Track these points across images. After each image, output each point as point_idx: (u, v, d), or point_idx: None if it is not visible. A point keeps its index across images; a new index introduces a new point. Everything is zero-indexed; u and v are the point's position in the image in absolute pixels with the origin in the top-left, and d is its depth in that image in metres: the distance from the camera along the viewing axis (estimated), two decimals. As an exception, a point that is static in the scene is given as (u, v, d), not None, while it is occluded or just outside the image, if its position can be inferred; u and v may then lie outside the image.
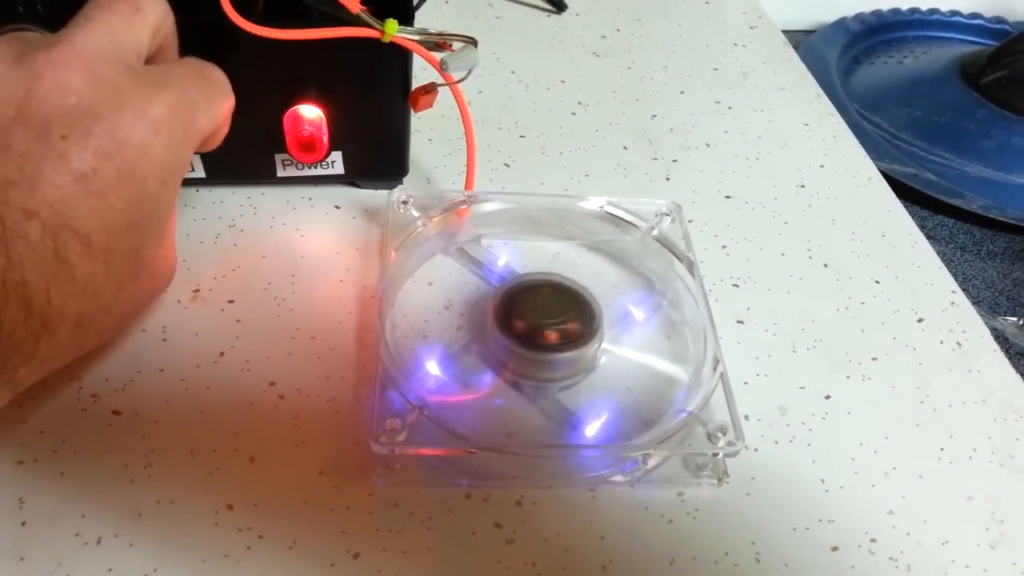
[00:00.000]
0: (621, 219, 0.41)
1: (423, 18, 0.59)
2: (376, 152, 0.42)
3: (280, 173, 0.42)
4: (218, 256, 0.40)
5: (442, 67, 0.36)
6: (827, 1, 0.77)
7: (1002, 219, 0.57)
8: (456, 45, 0.37)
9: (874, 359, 0.39)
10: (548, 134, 0.51)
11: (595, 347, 0.35)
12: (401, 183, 0.44)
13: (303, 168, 0.41)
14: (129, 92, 0.28)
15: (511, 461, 0.33)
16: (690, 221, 0.44)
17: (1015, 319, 0.50)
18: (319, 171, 0.42)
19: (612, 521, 0.32)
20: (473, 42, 0.37)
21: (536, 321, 0.35)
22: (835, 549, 0.32)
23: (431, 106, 0.39)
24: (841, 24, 0.76)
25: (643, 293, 0.40)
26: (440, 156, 0.47)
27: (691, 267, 0.39)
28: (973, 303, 0.43)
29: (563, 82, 0.55)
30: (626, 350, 0.37)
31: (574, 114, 0.53)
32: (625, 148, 0.50)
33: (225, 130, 0.33)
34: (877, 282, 0.43)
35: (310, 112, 0.39)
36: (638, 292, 0.40)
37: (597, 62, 0.58)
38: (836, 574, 0.31)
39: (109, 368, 0.34)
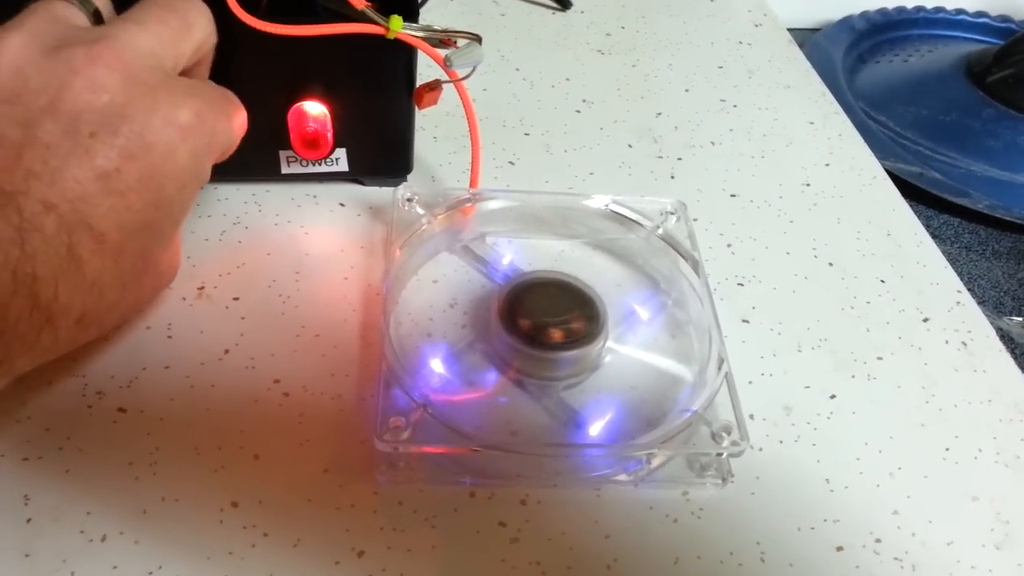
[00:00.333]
0: (626, 217, 0.41)
1: (428, 15, 0.59)
2: (380, 149, 0.42)
3: (284, 170, 0.42)
4: (223, 253, 0.40)
5: (446, 64, 0.36)
6: (833, -1, 0.77)
7: (1008, 218, 0.57)
8: (460, 42, 0.37)
9: (879, 359, 0.39)
10: (553, 132, 0.51)
11: (599, 346, 0.35)
12: (405, 180, 0.44)
13: (307, 165, 0.41)
14: (161, 96, 0.29)
15: (515, 460, 0.33)
16: (695, 219, 0.44)
17: (1021, 319, 0.50)
18: (323, 168, 0.42)
19: (617, 520, 0.32)
20: (478, 39, 0.37)
21: (540, 319, 0.35)
22: (840, 549, 0.32)
23: (435, 103, 0.39)
24: (847, 22, 0.76)
25: (648, 292, 0.40)
26: (445, 154, 0.47)
27: (696, 266, 0.39)
28: (979, 303, 0.43)
29: (568, 80, 0.55)
30: (631, 349, 0.37)
31: (579, 112, 0.53)
32: (630, 146, 0.50)
33: (236, 145, 0.33)
34: (882, 281, 0.43)
35: (314, 109, 0.39)
36: (643, 291, 0.40)
37: (602, 60, 0.58)
38: (841, 574, 0.31)
39: (114, 365, 0.34)
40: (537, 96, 0.53)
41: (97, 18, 0.30)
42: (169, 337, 0.36)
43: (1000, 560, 0.32)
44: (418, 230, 0.39)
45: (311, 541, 0.30)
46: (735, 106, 0.55)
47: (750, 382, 0.37)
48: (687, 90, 0.56)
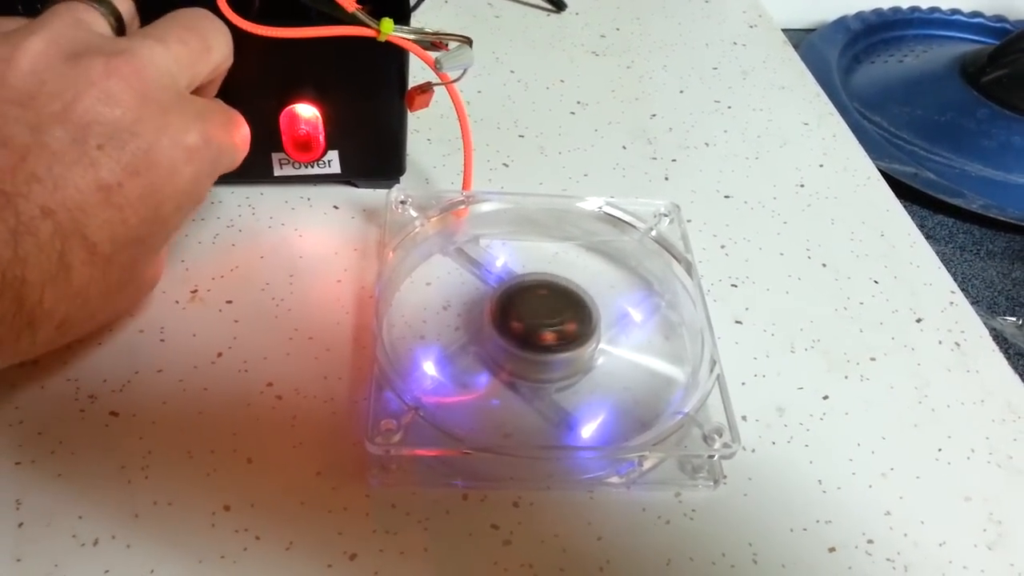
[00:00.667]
0: (620, 220, 0.41)
1: (422, 17, 0.59)
2: (373, 151, 0.42)
3: (277, 172, 0.42)
4: (216, 256, 0.40)
5: (437, 66, 0.36)
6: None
7: (1002, 219, 0.57)
8: (451, 44, 0.37)
9: (872, 359, 0.39)
10: (547, 134, 0.51)
11: (592, 348, 0.35)
12: (398, 182, 0.44)
13: (300, 167, 0.41)
14: (172, 117, 0.29)
15: (507, 462, 0.33)
16: (689, 221, 0.44)
17: (1014, 319, 0.50)
18: (315, 170, 0.42)
19: (609, 522, 0.32)
20: (468, 41, 0.37)
21: (533, 322, 0.35)
22: (832, 550, 0.32)
23: (427, 105, 0.39)
24: (841, 23, 0.76)
25: (641, 294, 0.40)
26: (439, 156, 0.47)
27: (689, 268, 0.39)
28: (972, 303, 0.43)
29: (562, 81, 0.55)
30: (623, 351, 0.37)
31: (573, 114, 0.53)
32: (624, 148, 0.50)
33: (239, 164, 0.34)
34: (876, 282, 0.43)
35: (306, 111, 0.39)
36: (636, 293, 0.40)
37: (596, 61, 0.58)
38: (833, 575, 0.31)
39: (107, 369, 0.34)
40: (531, 98, 0.54)
41: (119, 23, 0.31)
42: (162, 340, 0.36)
43: (992, 560, 0.32)
44: (411, 232, 0.39)
45: (303, 544, 0.30)
46: (729, 107, 0.55)
47: (743, 383, 0.37)
48: (681, 91, 0.56)
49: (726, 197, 0.48)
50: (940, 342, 0.40)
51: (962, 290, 0.43)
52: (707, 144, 0.51)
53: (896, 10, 0.79)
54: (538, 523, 0.31)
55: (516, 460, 0.33)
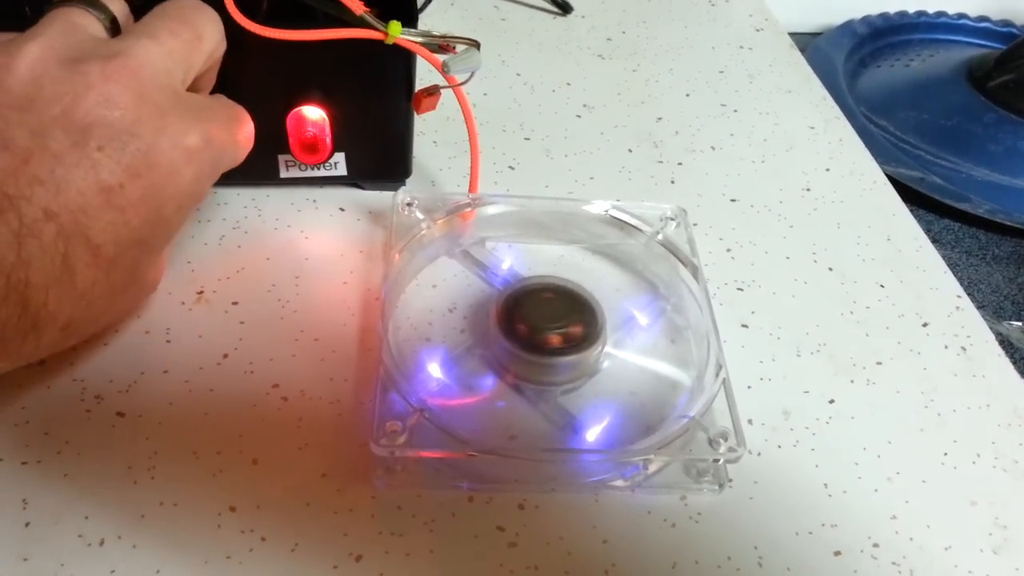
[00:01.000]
0: (626, 223, 0.41)
1: (429, 20, 0.59)
2: (379, 154, 0.42)
3: (283, 174, 0.42)
4: (222, 258, 0.40)
5: (444, 69, 0.36)
6: (834, 3, 0.77)
7: (1008, 223, 0.56)
8: (459, 47, 0.37)
9: (879, 363, 0.39)
10: (553, 136, 0.51)
11: (598, 351, 0.35)
12: (404, 185, 0.44)
13: (306, 169, 0.41)
14: (171, 118, 0.29)
15: (512, 464, 0.33)
16: (695, 224, 0.44)
17: (1020, 324, 0.50)
18: (322, 172, 0.42)
19: (615, 525, 0.32)
20: (476, 44, 0.37)
21: (539, 324, 0.35)
22: (838, 554, 0.32)
23: (434, 108, 0.39)
24: (848, 27, 0.76)
25: (647, 297, 0.40)
26: (445, 158, 0.47)
27: (695, 272, 0.39)
28: (978, 308, 0.43)
29: (568, 84, 0.55)
30: (629, 354, 0.37)
31: (579, 116, 0.53)
32: (630, 151, 0.50)
33: (241, 161, 0.34)
34: (882, 286, 0.43)
35: (313, 113, 0.39)
36: (642, 296, 0.40)
37: (602, 64, 0.58)
38: (839, 579, 0.31)
39: (113, 369, 0.34)
40: (538, 101, 0.54)
41: (114, 25, 0.31)
42: (168, 341, 0.36)
43: (998, 565, 0.32)
44: (418, 235, 0.39)
45: (309, 545, 0.30)
46: (736, 111, 0.55)
47: (749, 387, 0.37)
48: (688, 95, 0.56)
49: (732, 201, 0.48)
50: (946, 347, 0.40)
51: (968, 295, 0.43)
52: (713, 148, 0.51)
53: (903, 14, 0.79)
54: (543, 525, 0.31)
55: (521, 462, 0.33)
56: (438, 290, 0.40)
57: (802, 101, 0.57)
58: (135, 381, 0.34)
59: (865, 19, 0.77)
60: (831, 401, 0.37)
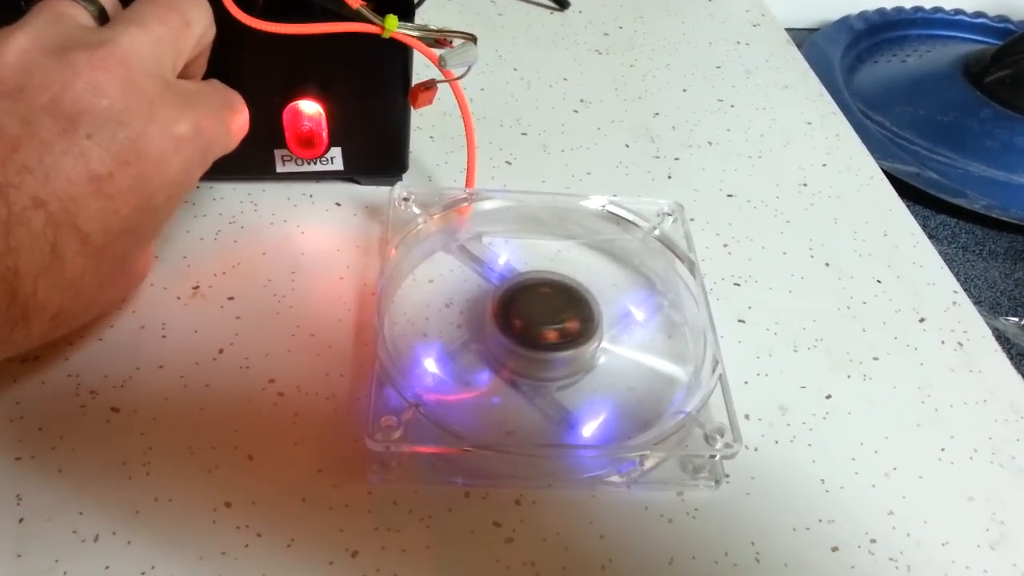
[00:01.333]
0: (623, 218, 0.41)
1: (426, 14, 0.59)
2: (375, 148, 0.42)
3: (279, 169, 0.41)
4: (218, 253, 0.40)
5: (441, 63, 0.36)
6: (830, -1, 0.77)
7: (1005, 219, 0.56)
8: (456, 41, 0.37)
9: (875, 359, 0.39)
10: (550, 132, 0.50)
11: (594, 347, 0.35)
12: (400, 179, 0.44)
13: (302, 164, 0.41)
14: (160, 106, 0.29)
15: (508, 460, 0.33)
16: (692, 219, 0.44)
17: (1017, 319, 0.50)
18: (318, 167, 0.42)
19: (612, 520, 0.32)
20: (473, 39, 0.37)
21: (535, 320, 0.35)
22: (835, 549, 0.32)
23: (431, 103, 0.39)
24: (844, 22, 0.76)
25: (644, 293, 0.40)
26: (442, 153, 0.47)
27: (692, 268, 0.39)
28: (975, 303, 0.43)
29: (565, 79, 0.55)
30: (625, 350, 0.37)
31: (576, 112, 0.53)
32: (627, 146, 0.50)
33: (233, 148, 0.34)
34: (879, 281, 0.43)
35: (309, 108, 0.39)
36: (639, 292, 0.40)
37: (599, 59, 0.58)
38: (836, 574, 0.31)
39: (107, 365, 0.34)
40: (534, 96, 0.53)
41: (102, 14, 0.31)
42: (163, 336, 0.36)
43: (995, 560, 0.32)
44: (414, 230, 0.39)
45: (305, 541, 0.30)
46: (732, 106, 0.55)
47: (746, 382, 0.37)
48: (685, 90, 0.56)
49: (729, 196, 0.47)
50: (943, 342, 0.40)
51: (965, 290, 0.43)
52: (710, 143, 0.51)
53: (899, 10, 0.79)
54: (540, 521, 0.31)
55: (517, 458, 0.33)
56: (434, 285, 0.40)
57: (799, 96, 0.57)
58: (130, 376, 0.34)
59: (862, 15, 0.77)
60: (828, 396, 0.37)
